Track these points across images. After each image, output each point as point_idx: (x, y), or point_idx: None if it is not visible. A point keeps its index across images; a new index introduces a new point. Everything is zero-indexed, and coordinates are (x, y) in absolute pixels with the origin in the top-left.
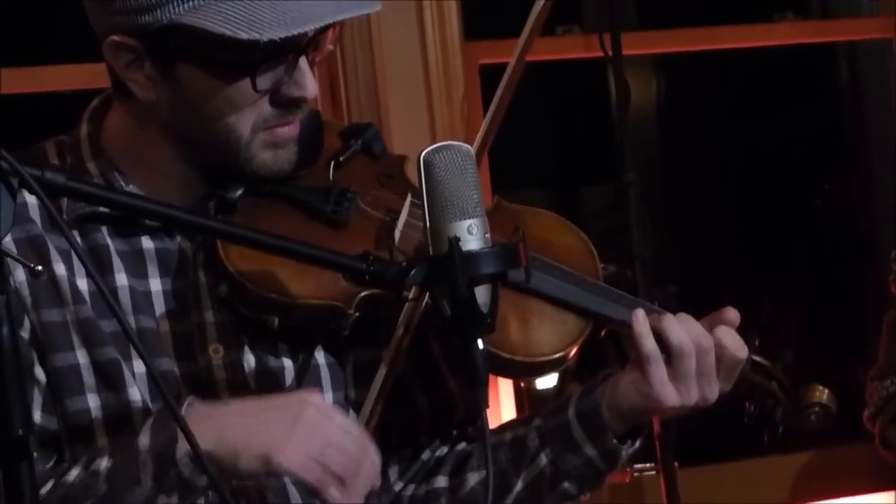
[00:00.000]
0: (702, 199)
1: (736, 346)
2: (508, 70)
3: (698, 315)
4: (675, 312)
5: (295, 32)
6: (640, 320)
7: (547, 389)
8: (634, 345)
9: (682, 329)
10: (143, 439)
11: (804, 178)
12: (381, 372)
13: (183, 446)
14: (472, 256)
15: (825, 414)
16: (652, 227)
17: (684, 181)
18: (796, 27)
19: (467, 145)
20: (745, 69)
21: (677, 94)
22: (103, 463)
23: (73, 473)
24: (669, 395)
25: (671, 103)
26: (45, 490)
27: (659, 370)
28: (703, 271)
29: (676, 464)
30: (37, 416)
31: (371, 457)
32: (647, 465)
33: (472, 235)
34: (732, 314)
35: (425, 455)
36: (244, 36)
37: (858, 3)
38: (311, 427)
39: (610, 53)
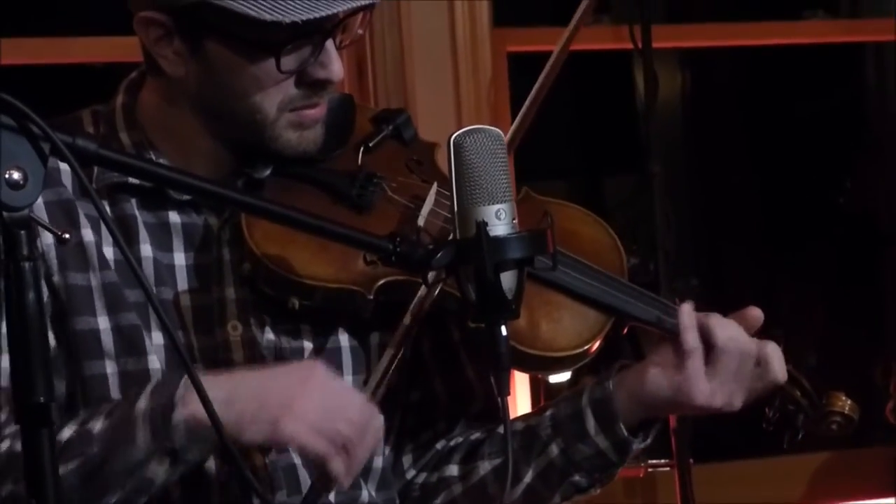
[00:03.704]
0: (724, 193)
1: (780, 367)
2: (552, 58)
3: (718, 308)
4: (696, 305)
5: (318, 16)
6: (687, 312)
7: (561, 383)
8: (678, 337)
9: (730, 330)
10: (142, 402)
11: (827, 173)
12: (389, 352)
13: (181, 412)
14: (499, 241)
15: (847, 423)
16: (674, 220)
17: (707, 174)
18: (825, 26)
19: (498, 130)
20: (771, 63)
21: (702, 86)
22: (98, 424)
23: (67, 431)
24: (701, 390)
25: (696, 95)
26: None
27: (698, 365)
28: (724, 264)
29: (691, 460)
30: None
31: (375, 423)
32: (662, 460)
33: (500, 220)
34: (756, 312)
35: (440, 444)
36: (268, 17)
37: (888, 1)
38: (317, 394)
39: (640, 46)
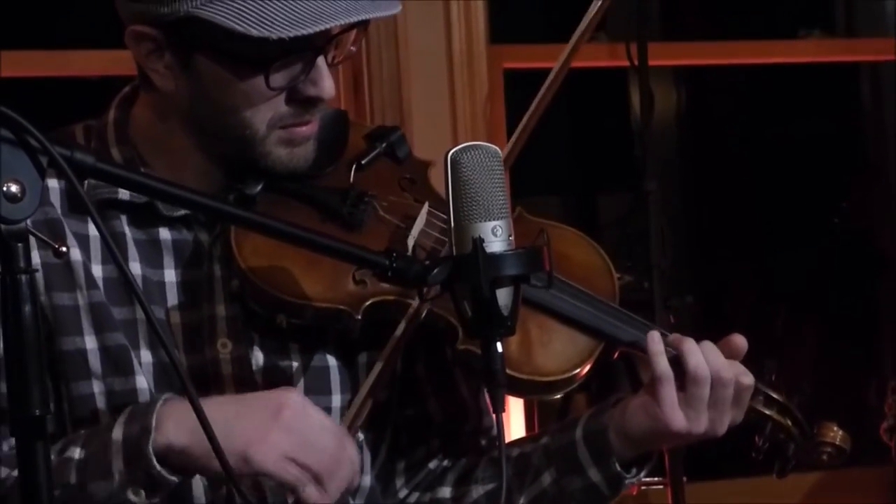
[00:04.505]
0: (719, 211)
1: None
2: (551, 76)
3: (713, 325)
4: (690, 322)
5: (306, 32)
6: (655, 340)
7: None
8: (648, 365)
9: (702, 356)
10: (117, 431)
11: (823, 193)
12: (376, 367)
13: (158, 439)
14: (495, 258)
15: (838, 454)
16: (669, 237)
17: (702, 192)
18: (820, 45)
19: (495, 146)
20: (767, 81)
21: (698, 104)
22: (76, 453)
23: None
24: (678, 419)
25: (691, 113)
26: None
27: (669, 391)
28: (719, 282)
29: (685, 478)
30: None
31: (349, 455)
32: (655, 478)
33: (496, 237)
34: (739, 341)
35: (433, 464)
36: (255, 33)
37: (885, 21)
38: (289, 425)
39: (636, 63)
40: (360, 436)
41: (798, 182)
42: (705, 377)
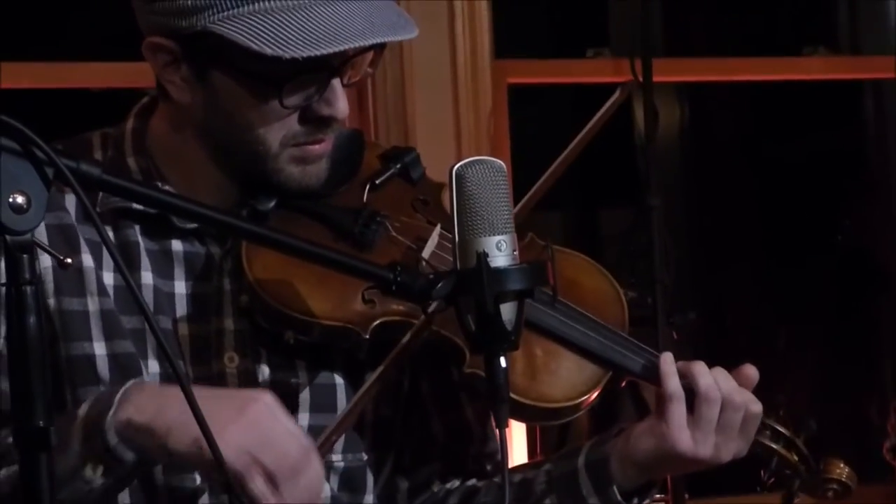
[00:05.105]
0: (722, 226)
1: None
2: (568, 149)
3: (714, 342)
4: (693, 338)
5: (319, 53)
6: (668, 361)
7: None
8: (658, 384)
9: (714, 378)
10: (83, 409)
11: (826, 210)
12: (369, 381)
13: (119, 413)
14: (499, 272)
15: (844, 491)
16: (672, 253)
17: (705, 208)
18: (824, 63)
19: (500, 161)
20: (770, 97)
21: (701, 120)
22: None
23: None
24: (684, 439)
25: (695, 129)
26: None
27: (679, 411)
28: (722, 298)
29: (687, 495)
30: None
31: (314, 468)
32: (658, 496)
33: (500, 252)
34: (750, 371)
35: (436, 486)
36: (269, 52)
37: (888, 39)
38: (254, 422)
39: (641, 79)
40: (337, 458)
41: (800, 198)
42: (716, 398)
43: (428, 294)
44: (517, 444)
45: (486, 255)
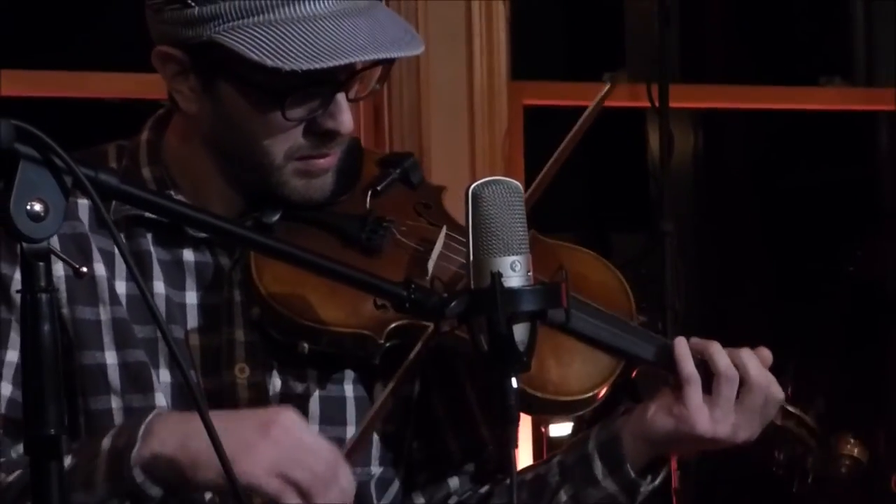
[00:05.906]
0: (734, 254)
1: (774, 407)
2: (574, 129)
3: None
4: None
5: (320, 66)
6: (682, 344)
7: (561, 437)
8: (672, 370)
9: (741, 358)
10: (105, 441)
11: (839, 240)
12: (386, 390)
13: (143, 449)
14: (513, 293)
15: (855, 466)
16: (684, 279)
17: (718, 235)
18: (840, 94)
19: (516, 182)
20: (785, 126)
21: (715, 147)
22: (67, 461)
23: None
24: (704, 420)
25: (709, 156)
26: (12, 477)
27: (696, 394)
28: (733, 325)
29: None
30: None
31: (342, 481)
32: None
33: (514, 272)
34: (766, 353)
35: (452, 501)
36: (269, 63)
37: None
38: (279, 440)
39: (657, 104)
40: (374, 470)
41: (813, 229)
42: (734, 377)
43: (441, 313)
44: (522, 452)
45: (500, 275)
